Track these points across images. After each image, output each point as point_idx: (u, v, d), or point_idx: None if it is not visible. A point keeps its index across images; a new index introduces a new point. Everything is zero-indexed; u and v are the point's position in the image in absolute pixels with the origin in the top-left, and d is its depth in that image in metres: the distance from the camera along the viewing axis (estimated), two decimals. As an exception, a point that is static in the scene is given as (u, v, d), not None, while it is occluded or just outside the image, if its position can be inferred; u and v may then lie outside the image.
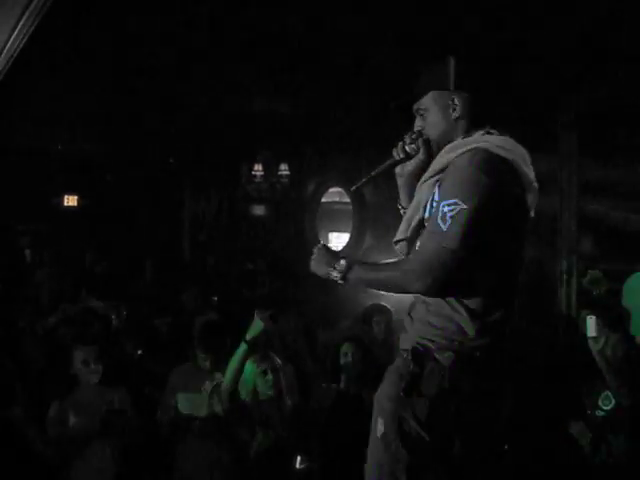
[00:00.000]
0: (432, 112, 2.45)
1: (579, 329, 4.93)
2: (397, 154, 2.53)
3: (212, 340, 4.34)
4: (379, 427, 2.33)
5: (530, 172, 2.38)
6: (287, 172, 9.20)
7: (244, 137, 9.12)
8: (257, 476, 3.84)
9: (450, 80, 2.41)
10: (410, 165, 2.52)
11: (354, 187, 2.70)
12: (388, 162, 2.55)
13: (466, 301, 2.28)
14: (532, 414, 4.12)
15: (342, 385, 4.40)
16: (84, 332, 4.22)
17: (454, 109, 2.41)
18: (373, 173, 2.57)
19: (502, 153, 2.29)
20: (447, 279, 2.24)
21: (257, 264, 9.39)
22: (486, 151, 2.28)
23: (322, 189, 9.36)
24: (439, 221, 2.22)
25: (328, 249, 2.49)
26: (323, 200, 9.43)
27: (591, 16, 4.43)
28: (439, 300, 2.31)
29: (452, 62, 2.42)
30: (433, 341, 2.30)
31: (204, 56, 5.68)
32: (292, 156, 9.19)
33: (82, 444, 3.83)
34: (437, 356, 2.28)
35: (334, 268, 2.39)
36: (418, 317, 2.37)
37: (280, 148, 9.20)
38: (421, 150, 2.48)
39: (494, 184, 2.21)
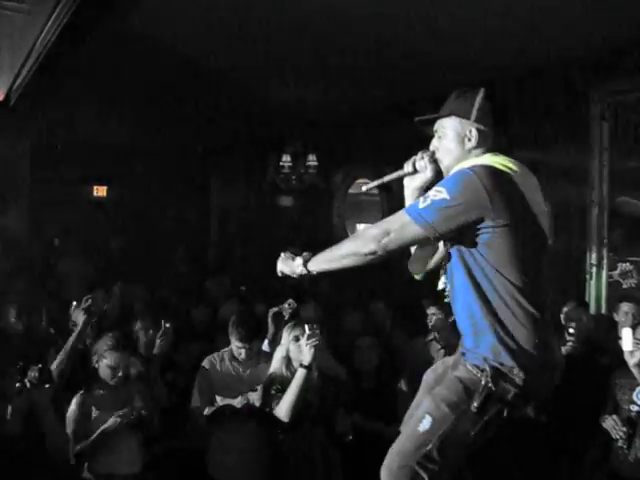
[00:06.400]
0: (449, 137, 2.54)
1: (614, 321, 4.91)
2: (407, 167, 2.66)
3: (247, 330, 4.29)
4: (424, 423, 2.39)
5: (537, 194, 2.44)
6: (315, 163, 9.19)
7: (272, 127, 9.13)
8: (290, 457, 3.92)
9: (473, 111, 2.49)
10: (417, 180, 2.65)
11: (365, 188, 2.89)
12: (398, 172, 2.69)
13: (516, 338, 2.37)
14: (565, 407, 4.10)
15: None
16: (119, 338, 4.13)
17: (469, 139, 2.50)
18: (384, 179, 2.71)
19: (505, 170, 2.37)
20: (398, 248, 2.40)
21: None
22: (490, 166, 2.38)
23: (349, 180, 9.35)
24: (420, 199, 2.38)
25: (290, 254, 2.64)
26: (350, 191, 9.42)
27: (622, 7, 4.37)
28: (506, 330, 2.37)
29: (480, 95, 2.51)
30: (502, 364, 2.36)
31: (232, 45, 5.69)
32: (320, 147, 9.18)
33: (107, 438, 3.87)
34: (503, 382, 2.36)
35: (297, 261, 2.57)
36: (486, 338, 2.40)
37: (308, 139, 9.19)
38: (429, 168, 2.60)
39: (484, 197, 2.28)
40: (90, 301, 4.49)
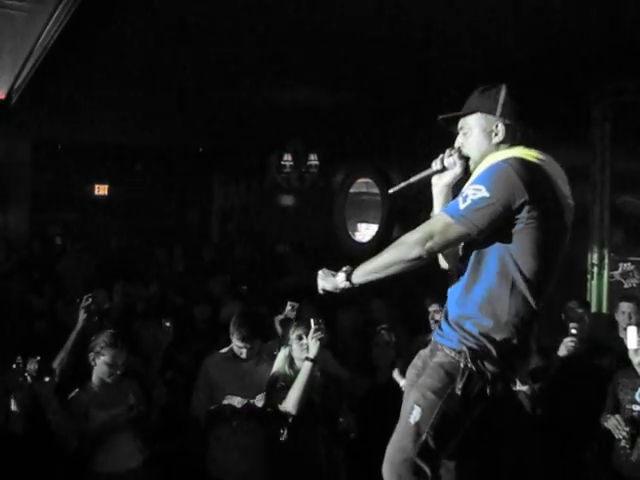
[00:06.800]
0: (475, 133, 2.57)
1: (615, 321, 4.92)
2: (435, 165, 2.67)
3: (249, 330, 4.28)
4: (414, 414, 2.43)
5: (565, 187, 2.46)
6: (316, 162, 9.19)
7: (274, 127, 9.13)
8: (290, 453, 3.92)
9: (498, 107, 2.52)
10: (446, 177, 2.67)
11: (392, 190, 2.84)
12: (427, 171, 2.69)
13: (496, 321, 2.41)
14: (565, 407, 4.11)
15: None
16: (117, 335, 4.11)
17: (496, 134, 2.53)
18: (412, 179, 2.70)
19: (536, 161, 2.40)
20: (441, 251, 2.48)
21: (285, 254, 9.43)
22: (521, 158, 2.39)
23: (350, 180, 9.36)
24: (459, 199, 2.38)
25: (329, 270, 2.63)
26: (351, 191, 9.42)
27: (623, 7, 4.37)
28: (481, 316, 2.42)
29: (503, 91, 2.53)
30: (479, 346, 2.41)
31: (233, 45, 5.69)
32: (321, 146, 9.18)
33: (104, 435, 3.88)
34: (482, 362, 2.41)
35: (339, 277, 2.55)
36: (472, 324, 2.44)
37: (310, 138, 9.19)
38: (458, 164, 2.61)
39: (521, 188, 2.30)
40: (91, 300, 4.48)
